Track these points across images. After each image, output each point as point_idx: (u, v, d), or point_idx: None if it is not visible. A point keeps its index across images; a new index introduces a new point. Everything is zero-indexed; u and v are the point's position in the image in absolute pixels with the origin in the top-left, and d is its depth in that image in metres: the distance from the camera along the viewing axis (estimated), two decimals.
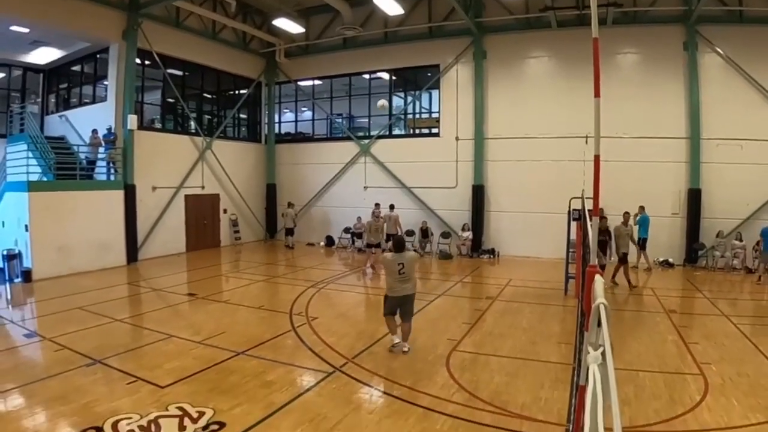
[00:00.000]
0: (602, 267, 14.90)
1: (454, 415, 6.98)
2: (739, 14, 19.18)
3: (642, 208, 18.96)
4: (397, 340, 9.58)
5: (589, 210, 10.12)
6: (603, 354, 2.37)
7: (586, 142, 14.43)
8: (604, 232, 14.69)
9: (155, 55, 20.38)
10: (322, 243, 24.74)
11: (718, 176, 19.50)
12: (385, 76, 24.36)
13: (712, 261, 19.32)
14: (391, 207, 21.52)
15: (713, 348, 9.97)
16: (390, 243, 12.61)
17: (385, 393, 7.72)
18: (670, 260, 19.42)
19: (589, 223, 8.70)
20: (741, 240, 18.91)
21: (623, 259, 15.60)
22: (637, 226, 18.49)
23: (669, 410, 7.17)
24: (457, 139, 22.40)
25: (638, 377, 8.34)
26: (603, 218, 14.87)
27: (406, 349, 9.46)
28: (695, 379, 8.31)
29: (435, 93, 23.58)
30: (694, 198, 19.68)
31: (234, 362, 8.87)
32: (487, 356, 9.43)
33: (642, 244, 18.34)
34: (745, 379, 8.34)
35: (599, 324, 2.64)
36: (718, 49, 19.43)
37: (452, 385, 7.97)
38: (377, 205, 21.85)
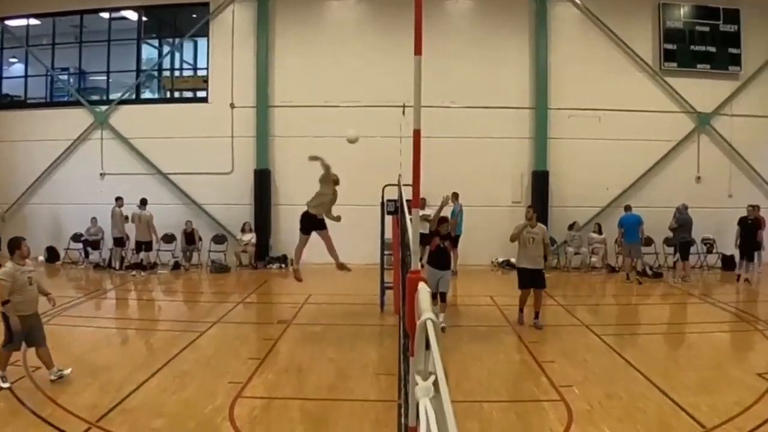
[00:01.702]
0: (442, 296, 13.66)
1: None
2: None
3: (456, 195, 19.50)
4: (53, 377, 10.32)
5: (407, 200, 10.57)
6: (435, 384, 2.47)
7: (404, 112, 14.98)
8: (445, 236, 13.76)
9: None
10: (41, 258, 23.29)
11: (570, 155, 21.39)
12: (133, 16, 23.63)
13: (564, 259, 21.05)
14: (143, 202, 20.97)
15: (574, 366, 10.96)
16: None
17: None
18: (513, 260, 20.87)
19: (408, 218, 9.10)
20: (600, 232, 20.86)
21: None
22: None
23: None
24: (232, 106, 22.33)
25: (483, 410, 8.93)
26: (443, 221, 13.91)
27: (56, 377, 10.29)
28: (555, 407, 9.08)
29: (202, 42, 23.37)
30: (539, 182, 21.38)
31: None
32: (284, 401, 9.55)
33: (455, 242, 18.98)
34: (617, 401, 9.29)
35: (427, 346, 2.74)
36: None
37: None
38: (119, 199, 21.13)
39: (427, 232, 14.92)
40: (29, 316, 10.09)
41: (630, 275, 19.39)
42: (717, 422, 8.51)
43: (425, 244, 14.05)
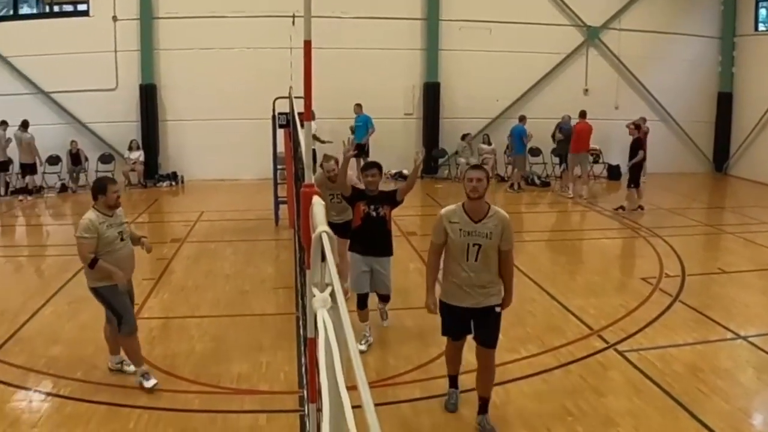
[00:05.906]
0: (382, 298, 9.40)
1: (149, 407, 7.00)
2: None
3: (359, 106, 20.19)
4: None
5: (299, 113, 10.50)
6: (332, 295, 2.49)
7: (293, 23, 14.76)
8: (380, 197, 8.43)
9: None
10: None
11: (461, 67, 21.51)
12: None
13: (455, 170, 21.38)
14: (23, 124, 20.14)
15: None
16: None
17: (49, 394, 7.40)
18: (405, 171, 21.06)
19: (300, 131, 9.04)
20: (489, 143, 21.22)
21: None
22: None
23: (422, 354, 8.09)
24: (114, 19, 21.45)
25: (379, 318, 9.13)
26: (371, 167, 8.60)
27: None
28: None
29: None
30: (431, 94, 21.51)
31: None
32: (182, 319, 9.60)
33: (365, 151, 19.62)
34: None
35: (323, 258, 2.77)
36: None
37: None
38: (2, 123, 20.27)
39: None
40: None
41: (516, 185, 19.95)
42: (603, 324, 8.99)
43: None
